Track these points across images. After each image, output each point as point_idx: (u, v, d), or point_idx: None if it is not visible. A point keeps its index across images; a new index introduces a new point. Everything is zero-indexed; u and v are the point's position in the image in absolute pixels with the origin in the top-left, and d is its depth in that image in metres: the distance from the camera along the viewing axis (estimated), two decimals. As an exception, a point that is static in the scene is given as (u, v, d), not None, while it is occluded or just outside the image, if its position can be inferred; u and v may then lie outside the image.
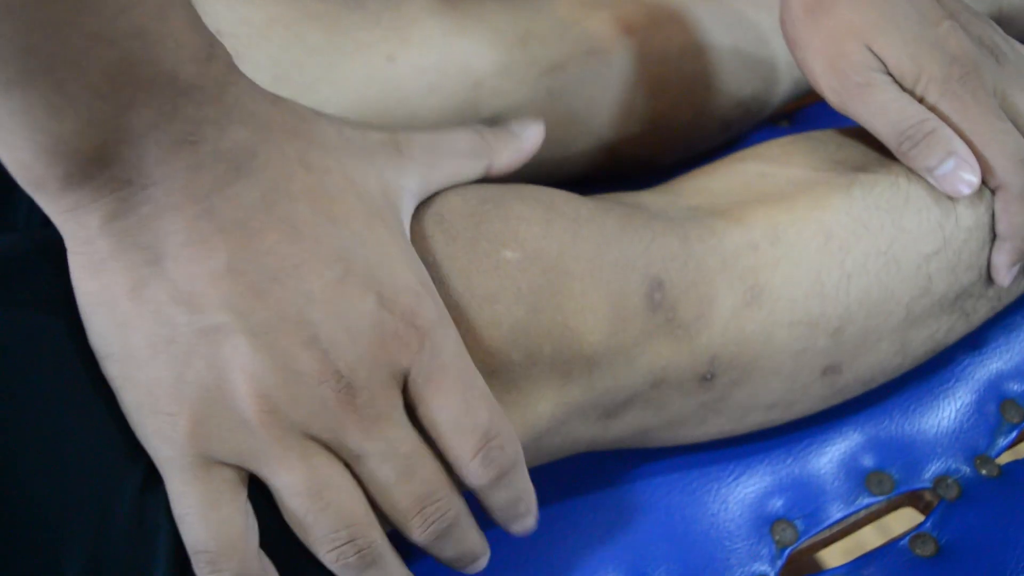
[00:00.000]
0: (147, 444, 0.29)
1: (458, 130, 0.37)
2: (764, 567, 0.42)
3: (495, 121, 0.48)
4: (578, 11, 0.48)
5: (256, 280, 0.28)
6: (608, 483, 0.41)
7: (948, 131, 0.39)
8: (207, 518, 0.28)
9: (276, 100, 0.30)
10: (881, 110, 0.39)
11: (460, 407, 0.31)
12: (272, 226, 0.28)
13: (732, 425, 0.42)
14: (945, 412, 0.46)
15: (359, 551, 0.30)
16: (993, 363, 0.47)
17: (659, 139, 0.52)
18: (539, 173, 0.52)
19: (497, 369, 0.34)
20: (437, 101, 0.45)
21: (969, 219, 0.40)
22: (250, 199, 0.28)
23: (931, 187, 0.40)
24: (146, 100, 0.25)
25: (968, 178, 0.38)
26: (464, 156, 0.36)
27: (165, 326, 0.27)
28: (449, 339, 0.31)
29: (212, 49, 0.27)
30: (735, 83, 0.51)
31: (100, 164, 0.26)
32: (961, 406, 0.46)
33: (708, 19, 0.50)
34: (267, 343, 0.28)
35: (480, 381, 0.32)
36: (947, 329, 0.43)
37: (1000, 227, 0.40)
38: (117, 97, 0.25)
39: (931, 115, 0.39)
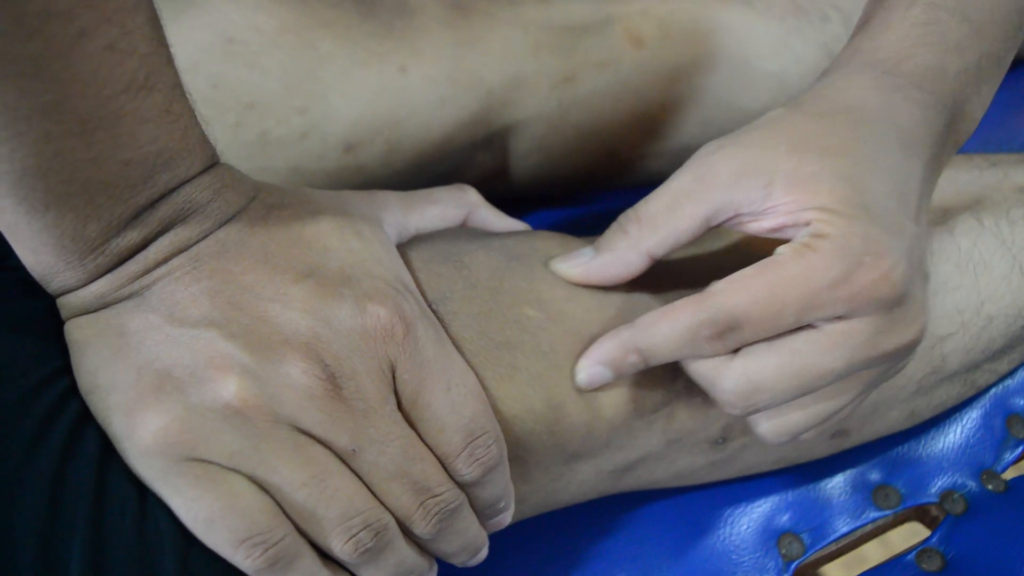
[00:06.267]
0: (139, 466, 0.28)
1: (438, 187, 0.39)
2: (771, 581, 0.42)
3: (507, 133, 0.48)
4: (588, 23, 0.48)
5: (233, 295, 0.29)
6: (616, 495, 0.41)
7: None
8: (235, 508, 0.28)
9: (260, 182, 0.33)
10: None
11: (444, 404, 0.31)
12: (247, 253, 0.30)
13: (738, 475, 0.42)
14: (951, 427, 0.46)
15: (376, 534, 0.30)
16: (999, 378, 0.47)
17: (668, 151, 0.52)
18: (545, 182, 0.52)
19: (516, 416, 0.34)
20: (448, 112, 0.45)
21: (992, 308, 0.40)
22: (229, 239, 0.30)
23: (952, 270, 0.40)
24: (160, 203, 0.29)
25: None
26: (441, 204, 0.38)
27: (149, 346, 0.28)
28: (431, 334, 0.31)
29: (214, 152, 0.30)
30: (745, 96, 0.51)
31: (108, 255, 0.28)
32: (967, 421, 0.46)
33: (719, 32, 0.50)
34: (248, 343, 0.28)
35: (470, 377, 0.32)
36: (956, 396, 0.44)
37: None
38: (136, 201, 0.28)
39: None
